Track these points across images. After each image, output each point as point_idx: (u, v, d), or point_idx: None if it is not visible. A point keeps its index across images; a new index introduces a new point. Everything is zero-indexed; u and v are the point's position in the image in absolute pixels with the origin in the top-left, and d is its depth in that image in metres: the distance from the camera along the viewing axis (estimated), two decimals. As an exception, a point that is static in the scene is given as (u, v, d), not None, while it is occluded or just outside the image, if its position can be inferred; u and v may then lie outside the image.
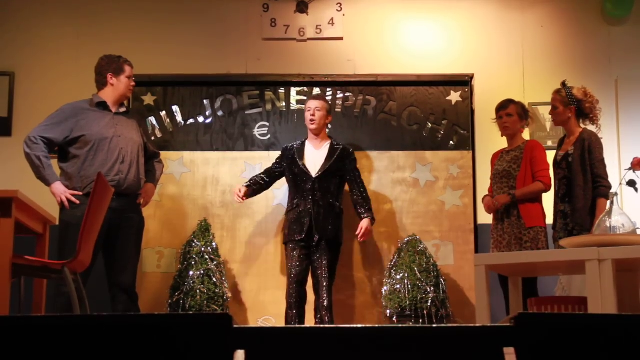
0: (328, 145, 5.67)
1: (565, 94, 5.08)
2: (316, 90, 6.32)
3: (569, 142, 5.08)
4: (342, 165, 5.63)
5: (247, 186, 5.67)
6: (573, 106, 5.05)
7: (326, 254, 5.42)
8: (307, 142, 5.73)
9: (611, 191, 4.26)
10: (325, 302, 5.37)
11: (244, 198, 5.62)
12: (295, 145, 5.73)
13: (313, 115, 5.64)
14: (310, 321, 5.50)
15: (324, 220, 5.47)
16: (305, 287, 5.50)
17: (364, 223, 5.55)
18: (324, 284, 5.39)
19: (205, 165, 6.20)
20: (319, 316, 5.39)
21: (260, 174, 5.78)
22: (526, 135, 5.72)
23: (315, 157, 5.63)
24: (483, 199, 5.48)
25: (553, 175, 5.17)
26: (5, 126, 6.18)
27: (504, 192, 5.25)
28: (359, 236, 5.55)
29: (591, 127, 5.11)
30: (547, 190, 5.20)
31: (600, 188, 4.88)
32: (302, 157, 5.64)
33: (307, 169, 5.56)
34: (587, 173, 4.92)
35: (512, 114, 5.37)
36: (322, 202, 5.49)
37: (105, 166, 4.84)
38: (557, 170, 5.10)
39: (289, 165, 5.66)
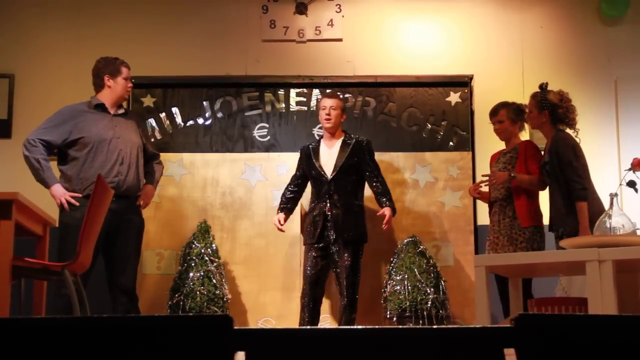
0: (340, 142, 5.54)
1: (539, 98, 5.04)
2: (315, 92, 6.32)
3: (546, 149, 5.06)
4: (357, 159, 5.48)
5: (282, 210, 5.56)
6: (547, 111, 5.01)
7: (347, 254, 5.32)
8: (322, 142, 5.62)
9: (611, 192, 4.25)
10: (346, 300, 5.28)
11: (283, 223, 5.52)
12: (311, 145, 5.62)
13: (329, 114, 5.50)
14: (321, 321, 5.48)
15: (344, 222, 5.36)
16: (321, 289, 5.43)
17: (387, 211, 5.36)
18: (344, 283, 5.28)
19: (204, 167, 6.20)
20: (344, 316, 5.30)
21: (287, 187, 5.64)
22: (526, 135, 5.72)
23: (329, 156, 5.51)
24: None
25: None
26: (5, 128, 6.18)
27: (500, 194, 5.25)
28: (384, 225, 5.37)
29: (569, 131, 5.06)
30: (542, 188, 5.19)
31: (574, 192, 4.81)
32: (317, 157, 5.52)
33: (323, 171, 5.46)
34: (560, 179, 4.89)
35: (502, 119, 5.36)
36: (340, 203, 5.38)
37: (104, 168, 4.83)
38: (544, 177, 5.11)
39: (307, 167, 5.56)
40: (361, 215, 5.49)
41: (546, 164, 4.99)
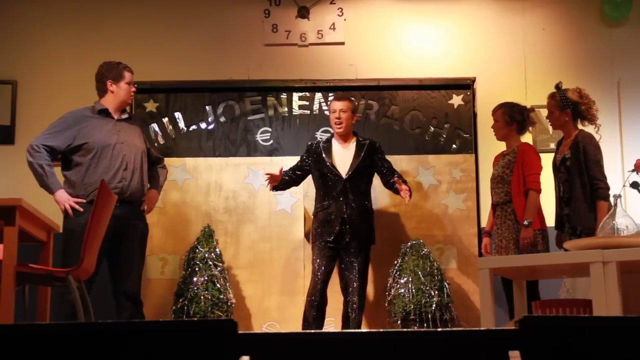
0: (355, 143, 5.51)
1: (559, 98, 5.04)
2: (318, 96, 6.33)
3: (566, 145, 5.06)
4: (370, 161, 5.47)
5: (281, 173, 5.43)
6: (569, 109, 5.02)
7: (358, 256, 5.32)
8: (333, 140, 5.57)
9: (614, 193, 4.24)
10: (357, 303, 5.27)
11: (273, 182, 5.39)
12: (321, 143, 5.57)
13: (339, 117, 5.45)
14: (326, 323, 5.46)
15: (357, 222, 5.35)
16: (325, 290, 5.38)
17: (406, 186, 5.26)
18: (355, 284, 5.28)
19: (208, 172, 6.21)
20: (353, 315, 5.26)
21: (289, 170, 5.56)
22: (528, 138, 5.71)
23: (343, 156, 5.47)
24: (483, 239, 5.53)
25: (554, 178, 5.15)
26: (8, 134, 6.19)
27: (501, 198, 5.25)
28: (407, 194, 5.22)
29: (589, 127, 5.09)
30: (540, 193, 5.19)
31: (598, 190, 4.85)
32: (330, 156, 5.48)
33: (336, 170, 5.42)
34: (584, 176, 4.90)
35: (497, 119, 5.37)
36: (355, 204, 5.36)
37: (108, 173, 4.83)
38: (558, 174, 5.09)
39: (316, 164, 5.50)
40: (373, 218, 5.52)
41: (566, 160, 4.97)
